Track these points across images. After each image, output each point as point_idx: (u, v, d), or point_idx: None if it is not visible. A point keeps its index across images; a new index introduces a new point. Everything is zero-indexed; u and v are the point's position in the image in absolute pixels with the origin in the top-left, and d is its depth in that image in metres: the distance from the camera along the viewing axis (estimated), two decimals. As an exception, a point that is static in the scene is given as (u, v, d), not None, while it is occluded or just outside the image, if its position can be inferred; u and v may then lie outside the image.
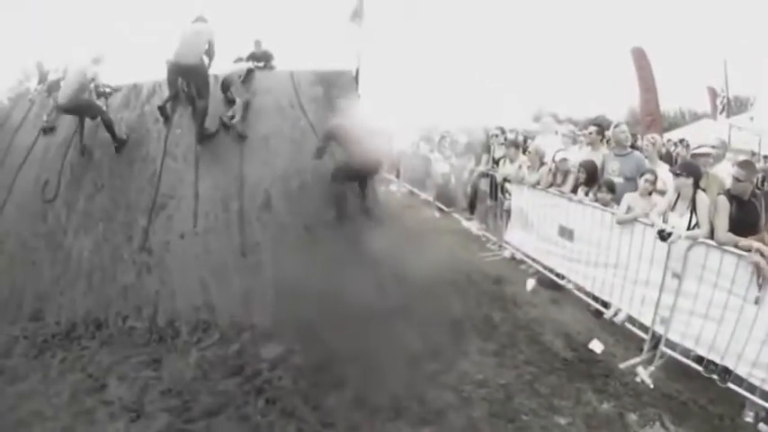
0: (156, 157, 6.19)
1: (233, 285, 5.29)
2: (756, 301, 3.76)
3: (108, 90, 6.66)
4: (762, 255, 3.71)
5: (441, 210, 9.98)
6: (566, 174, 6.38)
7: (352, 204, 5.93)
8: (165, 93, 6.41)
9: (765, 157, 4.77)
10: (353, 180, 5.92)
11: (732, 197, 4.22)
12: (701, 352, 4.17)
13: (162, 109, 6.28)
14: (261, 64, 7.35)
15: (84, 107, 6.18)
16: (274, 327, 4.85)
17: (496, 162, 8.28)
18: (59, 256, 5.66)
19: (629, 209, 5.09)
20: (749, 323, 3.79)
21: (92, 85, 6.26)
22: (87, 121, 6.31)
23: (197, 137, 6.25)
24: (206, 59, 6.20)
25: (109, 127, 6.22)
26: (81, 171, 6.24)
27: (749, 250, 3.83)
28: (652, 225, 4.65)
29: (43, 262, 5.64)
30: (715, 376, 4.04)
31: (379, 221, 6.02)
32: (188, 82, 6.36)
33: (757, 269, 3.73)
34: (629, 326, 5.02)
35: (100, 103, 6.47)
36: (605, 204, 5.43)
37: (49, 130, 6.69)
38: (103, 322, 5.07)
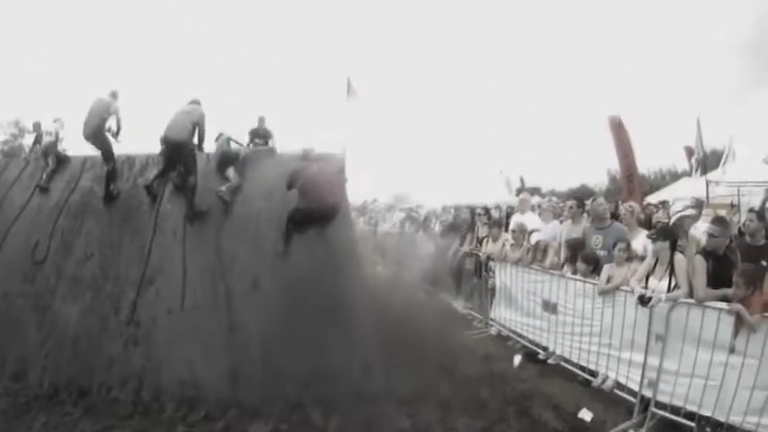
0: (146, 230, 6.26)
1: (220, 362, 5.21)
2: (733, 350, 3.88)
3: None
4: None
5: (426, 289, 10.05)
6: (544, 250, 6.59)
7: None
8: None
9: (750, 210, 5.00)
10: (310, 224, 5.81)
11: (708, 254, 4.43)
12: (692, 408, 4.18)
13: (148, 188, 6.43)
14: (261, 141, 7.56)
15: (101, 141, 6.37)
16: (261, 404, 4.78)
17: (480, 241, 8.48)
18: (46, 318, 5.62)
19: (609, 278, 5.25)
20: (736, 373, 3.86)
21: (112, 119, 6.43)
22: (86, 179, 6.50)
23: (187, 214, 6.33)
24: (195, 139, 6.41)
25: (110, 176, 6.42)
26: (72, 237, 6.29)
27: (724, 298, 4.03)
28: (632, 292, 4.77)
29: (29, 323, 5.59)
30: (708, 430, 4.03)
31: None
32: (176, 158, 6.46)
33: (738, 318, 3.86)
34: (617, 392, 5.01)
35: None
36: (585, 276, 5.59)
37: (43, 190, 6.79)
38: (87, 390, 4.97)
